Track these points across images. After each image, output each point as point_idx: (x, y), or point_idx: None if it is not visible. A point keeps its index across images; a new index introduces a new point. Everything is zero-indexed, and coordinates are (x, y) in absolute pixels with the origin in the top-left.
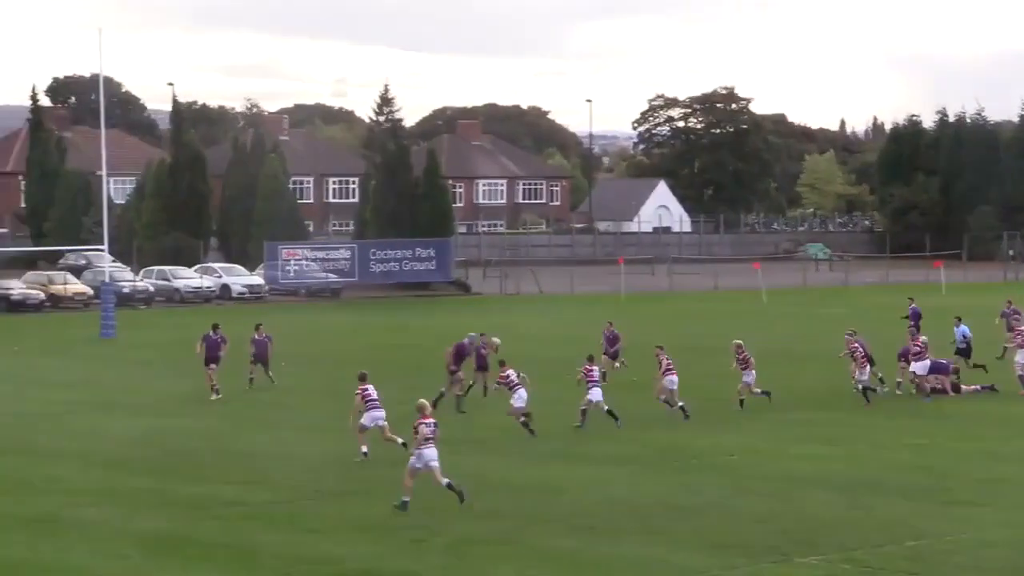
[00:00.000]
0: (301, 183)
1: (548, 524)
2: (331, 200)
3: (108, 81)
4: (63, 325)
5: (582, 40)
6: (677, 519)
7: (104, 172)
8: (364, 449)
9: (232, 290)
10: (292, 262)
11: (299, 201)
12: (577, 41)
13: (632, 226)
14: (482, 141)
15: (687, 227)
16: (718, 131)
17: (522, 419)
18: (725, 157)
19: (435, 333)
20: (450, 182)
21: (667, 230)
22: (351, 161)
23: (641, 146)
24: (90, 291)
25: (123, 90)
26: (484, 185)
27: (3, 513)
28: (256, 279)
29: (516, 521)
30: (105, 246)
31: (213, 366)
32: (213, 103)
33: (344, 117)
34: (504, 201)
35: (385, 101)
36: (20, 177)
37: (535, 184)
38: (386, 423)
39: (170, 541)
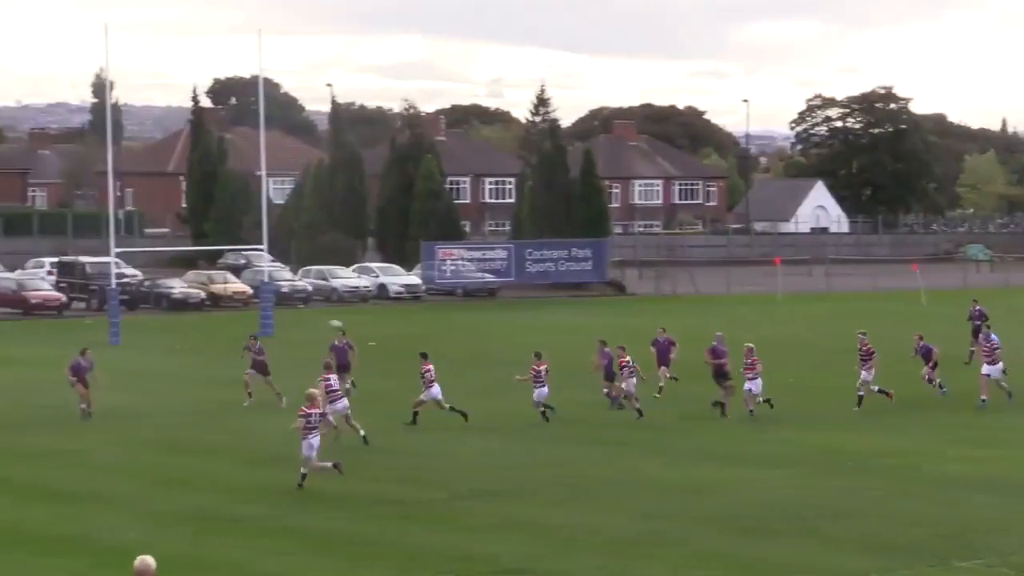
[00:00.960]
0: (458, 183)
1: (701, 525)
2: (487, 200)
3: (268, 83)
4: (223, 324)
5: (739, 41)
6: (832, 521)
7: (263, 172)
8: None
9: (389, 290)
10: (449, 262)
11: (455, 201)
12: (734, 42)
13: (789, 227)
14: (638, 141)
15: (844, 228)
16: (877, 131)
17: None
18: (883, 157)
19: (590, 333)
20: (606, 182)
21: (824, 231)
22: (507, 161)
23: (799, 146)
24: (249, 290)
25: (282, 91)
26: (640, 185)
27: (165, 510)
28: (413, 279)
29: (669, 522)
30: (264, 246)
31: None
32: (371, 104)
33: (500, 117)
34: (660, 201)
35: (541, 101)
36: (181, 178)
37: (691, 184)
38: (348, 411)
39: (328, 538)
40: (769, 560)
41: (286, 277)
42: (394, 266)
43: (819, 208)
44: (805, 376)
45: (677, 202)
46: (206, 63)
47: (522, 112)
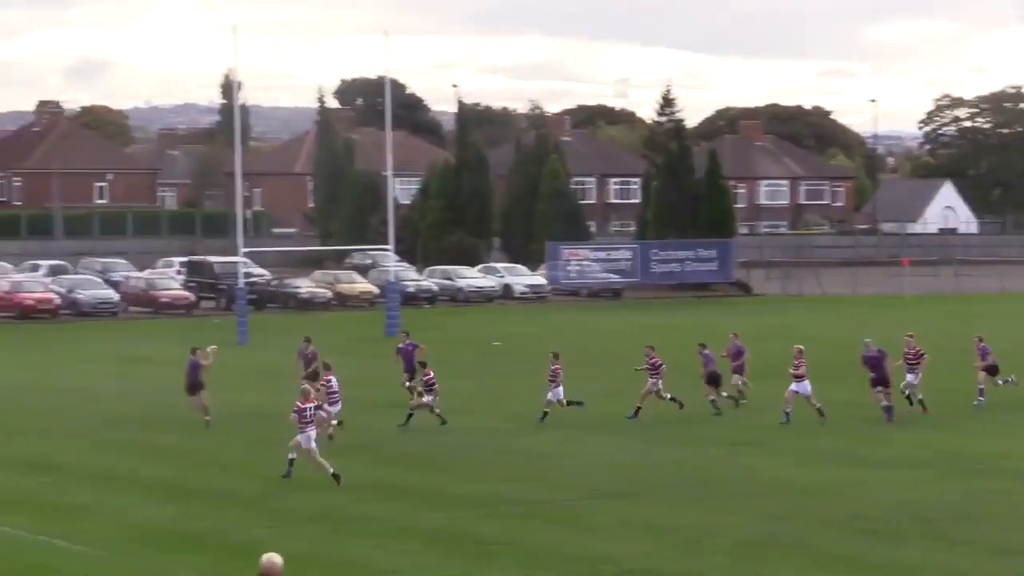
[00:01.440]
0: (583, 183)
1: (828, 526)
2: (612, 201)
3: (394, 83)
4: (349, 323)
5: (866, 41)
6: (963, 524)
7: (390, 173)
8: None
9: (514, 290)
10: (574, 262)
11: (580, 201)
12: (861, 41)
13: (917, 227)
14: (764, 142)
15: (973, 228)
16: (1006, 131)
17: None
18: (1013, 157)
19: (714, 334)
20: (732, 183)
21: (953, 231)
22: (632, 161)
23: (927, 146)
24: (375, 290)
25: (408, 92)
26: (766, 186)
27: (291, 508)
28: (538, 279)
29: (795, 523)
30: (391, 246)
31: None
32: (497, 104)
33: (626, 118)
34: (786, 202)
35: (667, 102)
36: (308, 178)
37: (818, 185)
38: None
39: (451, 538)
40: (897, 564)
41: (412, 277)
42: (519, 266)
43: (947, 209)
44: (931, 378)
45: (803, 202)
46: (333, 64)
47: (647, 112)
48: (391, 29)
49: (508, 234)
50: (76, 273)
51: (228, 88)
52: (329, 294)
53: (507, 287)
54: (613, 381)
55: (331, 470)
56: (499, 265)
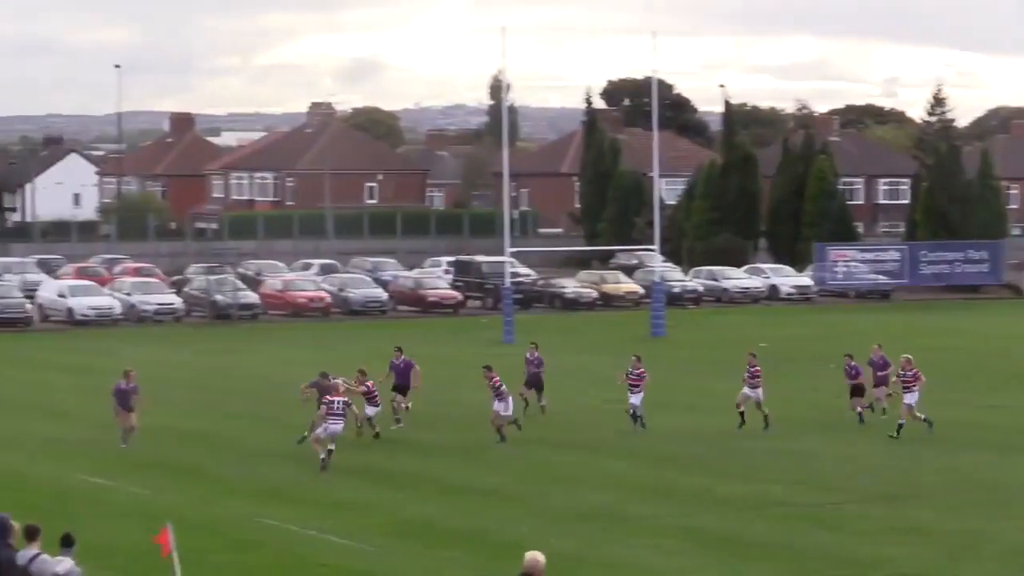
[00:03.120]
0: (851, 184)
1: None
2: (881, 201)
3: (661, 84)
4: (614, 324)
5: None
6: None
7: (656, 173)
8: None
9: (780, 291)
10: (841, 263)
11: (848, 202)
12: None
13: None
14: None
15: None
16: None
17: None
18: None
19: (982, 337)
20: (1004, 183)
21: None
22: (902, 162)
23: None
24: (641, 290)
25: (675, 92)
26: None
27: (560, 505)
28: (804, 280)
29: None
30: (656, 246)
31: (399, 396)
32: (764, 104)
33: (895, 117)
34: None
35: (937, 101)
36: (574, 178)
37: None
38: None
39: (720, 539)
40: None
41: (677, 277)
42: (785, 267)
43: None
44: None
45: None
46: (600, 65)
47: (917, 112)
48: (658, 29)
49: (774, 235)
50: (346, 272)
51: (496, 89)
52: (594, 294)
53: (773, 288)
54: None
55: (323, 455)
56: (765, 266)
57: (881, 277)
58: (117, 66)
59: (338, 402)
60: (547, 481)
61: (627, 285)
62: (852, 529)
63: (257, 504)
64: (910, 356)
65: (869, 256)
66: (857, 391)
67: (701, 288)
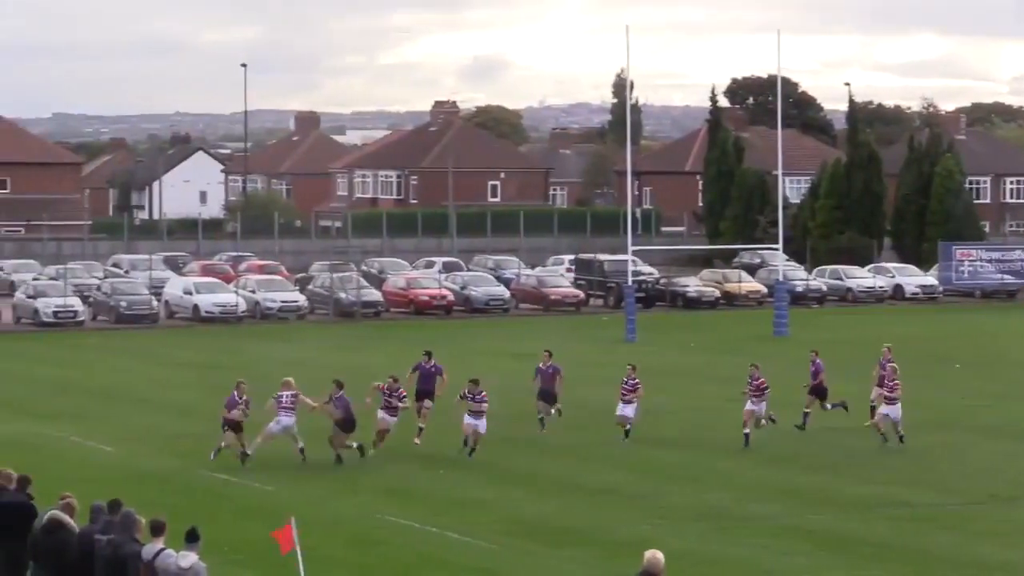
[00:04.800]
0: (977, 183)
1: None
2: (1008, 200)
3: (785, 82)
4: (736, 322)
5: None
6: None
7: (780, 171)
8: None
9: (905, 290)
10: (966, 263)
11: (975, 201)
12: None
13: None
14: None
15: None
16: None
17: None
18: None
19: None
20: None
21: None
22: None
23: None
24: (764, 289)
25: (799, 91)
26: None
27: (678, 504)
28: (930, 279)
29: None
30: (779, 245)
31: (428, 401)
32: (889, 103)
33: (1022, 115)
34: None
35: None
36: (697, 177)
37: None
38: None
39: (839, 539)
40: None
41: (800, 276)
42: (910, 266)
43: None
44: None
45: None
46: (724, 63)
47: None
48: (783, 27)
49: (899, 234)
50: (469, 270)
51: (620, 87)
52: (717, 293)
53: (898, 287)
54: (1007, 384)
55: (300, 444)
56: (890, 265)
57: (1007, 276)
58: (244, 65)
59: (286, 396)
60: (665, 480)
61: (750, 284)
62: (974, 530)
63: (377, 501)
64: (896, 365)
65: (995, 255)
66: (816, 391)
67: (825, 287)
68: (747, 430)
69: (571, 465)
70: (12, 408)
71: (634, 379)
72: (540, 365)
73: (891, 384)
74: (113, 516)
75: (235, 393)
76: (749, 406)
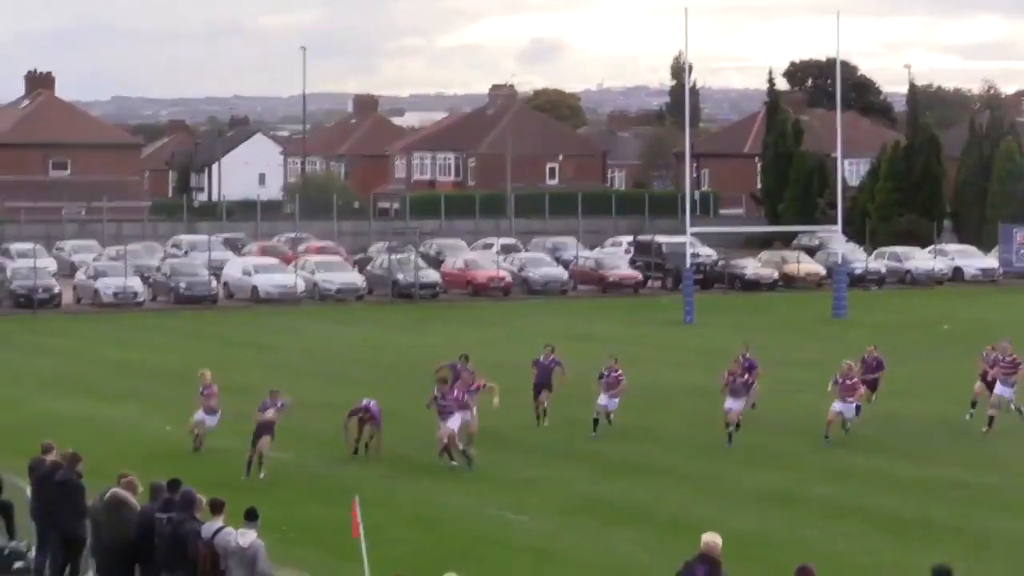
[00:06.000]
0: None
1: None
2: None
3: (845, 65)
4: (794, 304)
5: None
6: None
7: (839, 154)
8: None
9: (965, 273)
10: None
11: None
12: None
13: None
14: None
15: None
16: None
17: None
18: None
19: None
20: None
21: None
22: None
23: None
24: (822, 271)
25: (858, 73)
26: None
27: (735, 487)
28: (990, 262)
29: None
30: (839, 227)
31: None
32: (949, 85)
33: None
34: None
35: None
36: (756, 159)
37: None
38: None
39: (899, 521)
40: None
41: (860, 258)
42: (970, 248)
43: None
44: None
45: None
46: (783, 45)
47: None
48: (843, 9)
49: (959, 216)
50: (527, 252)
51: (678, 70)
52: (775, 275)
53: (957, 270)
54: None
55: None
56: (950, 247)
57: None
58: (303, 48)
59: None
60: (724, 461)
61: (809, 266)
62: None
63: (435, 481)
64: (851, 363)
65: None
66: (870, 384)
67: (884, 269)
68: (731, 429)
69: (629, 445)
70: (73, 388)
71: (616, 370)
72: (540, 358)
73: (850, 383)
74: (173, 495)
75: (268, 400)
76: (837, 407)
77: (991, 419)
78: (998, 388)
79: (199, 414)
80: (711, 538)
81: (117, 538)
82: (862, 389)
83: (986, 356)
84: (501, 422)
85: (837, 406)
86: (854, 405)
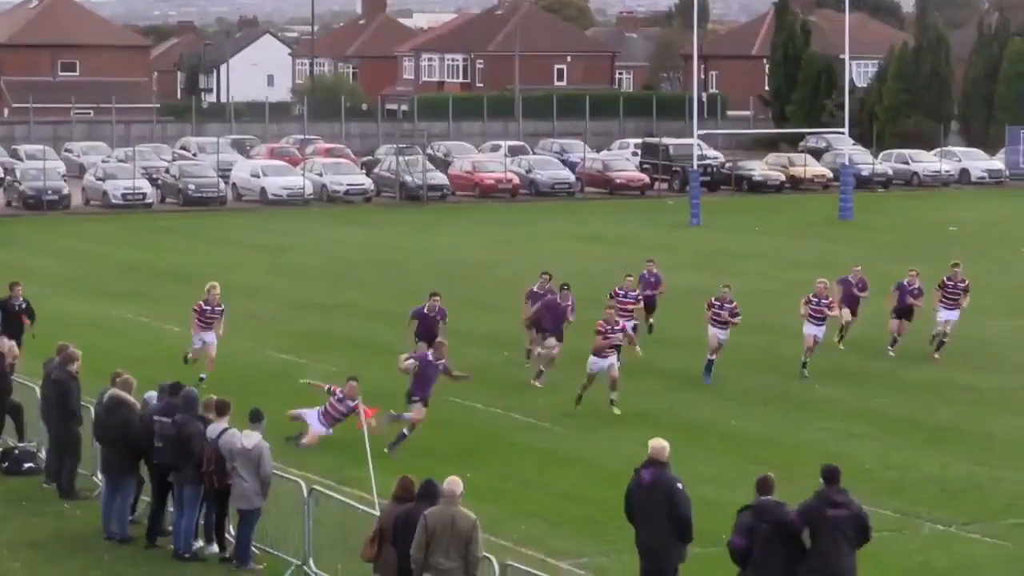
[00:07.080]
0: None
1: None
2: None
3: None
4: (801, 206)
5: None
6: None
7: (847, 55)
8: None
9: (971, 174)
10: None
11: None
12: None
13: None
14: None
15: None
16: None
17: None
18: None
19: None
20: None
21: None
22: None
23: None
24: (829, 173)
25: None
26: None
27: (742, 389)
28: (996, 163)
29: None
30: (845, 129)
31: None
32: None
33: None
34: None
35: None
36: (764, 61)
37: None
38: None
39: (904, 422)
40: None
41: (866, 161)
42: (977, 150)
43: None
44: None
45: None
46: None
47: None
48: None
49: (967, 118)
50: (534, 154)
51: None
52: (782, 177)
53: (964, 171)
54: None
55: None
56: (956, 149)
57: None
58: None
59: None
60: (729, 363)
61: (815, 168)
62: None
63: (442, 384)
64: (826, 281)
65: None
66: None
67: (891, 171)
68: (713, 356)
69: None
70: (82, 288)
71: (619, 326)
72: (535, 287)
73: (825, 303)
74: (174, 399)
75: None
76: (811, 330)
77: (941, 342)
78: (944, 314)
79: (201, 337)
80: (657, 443)
81: (120, 438)
82: (836, 310)
83: (908, 284)
84: (511, 321)
85: (811, 329)
86: (824, 328)
